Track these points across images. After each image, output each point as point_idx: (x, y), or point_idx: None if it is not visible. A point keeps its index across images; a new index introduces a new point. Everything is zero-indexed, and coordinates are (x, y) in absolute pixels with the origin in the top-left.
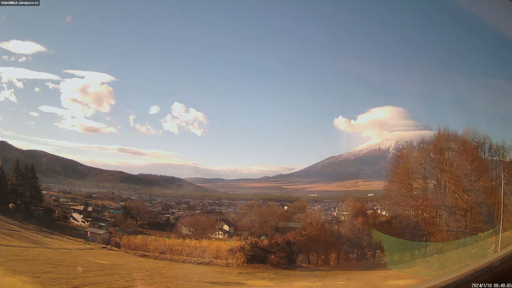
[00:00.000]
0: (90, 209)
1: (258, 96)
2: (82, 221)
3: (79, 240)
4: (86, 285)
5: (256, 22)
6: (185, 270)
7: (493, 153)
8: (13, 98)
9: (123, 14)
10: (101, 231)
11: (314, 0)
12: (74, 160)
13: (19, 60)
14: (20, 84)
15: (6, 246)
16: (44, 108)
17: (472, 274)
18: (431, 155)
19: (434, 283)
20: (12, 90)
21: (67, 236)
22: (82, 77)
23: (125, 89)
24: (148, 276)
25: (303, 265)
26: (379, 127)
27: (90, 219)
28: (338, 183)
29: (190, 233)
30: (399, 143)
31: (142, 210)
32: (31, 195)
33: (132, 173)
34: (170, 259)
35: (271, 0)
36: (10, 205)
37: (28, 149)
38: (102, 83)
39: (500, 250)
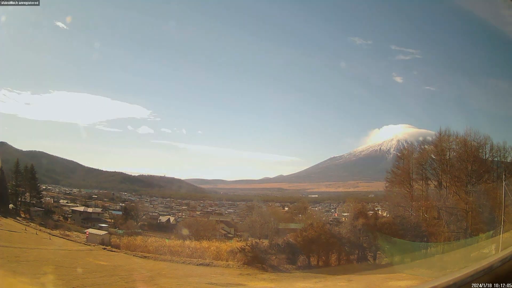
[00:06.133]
0: (90, 210)
1: (260, 96)
2: (82, 222)
3: (79, 241)
4: (86, 286)
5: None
6: (185, 271)
7: (494, 154)
8: None
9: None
10: (101, 232)
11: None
12: (74, 161)
13: None
14: None
15: (6, 247)
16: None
17: (473, 275)
18: (432, 156)
19: (435, 284)
20: None
21: (67, 237)
22: None
23: None
24: (148, 277)
25: (304, 266)
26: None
27: (90, 220)
28: (338, 184)
29: (190, 234)
30: (400, 143)
31: (142, 211)
32: (31, 196)
33: (132, 174)
34: (170, 260)
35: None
36: (10, 206)
37: (28, 150)
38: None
39: (501, 251)
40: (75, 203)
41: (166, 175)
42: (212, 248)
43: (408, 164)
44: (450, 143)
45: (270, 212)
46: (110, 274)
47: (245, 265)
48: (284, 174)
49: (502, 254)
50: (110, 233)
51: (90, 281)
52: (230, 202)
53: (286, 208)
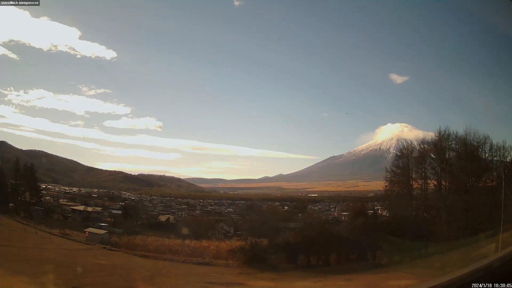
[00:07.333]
0: (90, 209)
1: (259, 95)
2: (82, 221)
3: (79, 240)
4: (86, 286)
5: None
6: (185, 270)
7: (493, 153)
8: None
9: None
10: (101, 231)
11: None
12: (74, 160)
13: None
14: None
15: (6, 246)
16: None
17: (472, 275)
18: (432, 155)
19: (435, 284)
20: None
21: (67, 236)
22: None
23: None
24: (148, 276)
25: (303, 265)
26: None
27: (90, 219)
28: (338, 183)
29: (190, 233)
30: (400, 143)
31: (142, 210)
32: (31, 195)
33: (132, 173)
34: (170, 260)
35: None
36: (10, 205)
37: (28, 149)
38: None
39: (500, 250)
40: (75, 202)
41: (166, 174)
42: (211, 247)
43: (407, 164)
44: (450, 143)
45: (270, 211)
46: (110, 273)
47: (245, 264)
48: (284, 173)
49: (501, 253)
50: (109, 232)
51: (90, 280)
52: (229, 201)
53: (286, 207)
